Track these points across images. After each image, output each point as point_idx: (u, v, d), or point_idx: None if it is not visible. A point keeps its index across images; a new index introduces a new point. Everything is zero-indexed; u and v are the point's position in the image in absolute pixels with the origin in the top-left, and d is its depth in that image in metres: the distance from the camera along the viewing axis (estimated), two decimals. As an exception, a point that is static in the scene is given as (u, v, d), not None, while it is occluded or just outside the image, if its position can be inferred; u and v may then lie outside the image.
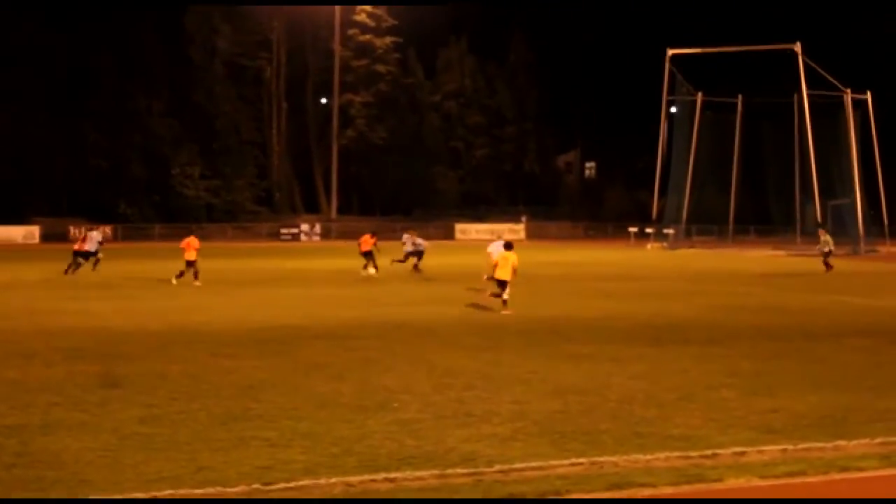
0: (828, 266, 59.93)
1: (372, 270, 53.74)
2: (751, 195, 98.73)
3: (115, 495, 14.29)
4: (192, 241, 50.66)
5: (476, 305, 39.38)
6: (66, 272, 54.98)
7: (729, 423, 19.17)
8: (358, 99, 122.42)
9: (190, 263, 49.85)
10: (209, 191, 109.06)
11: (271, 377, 23.60)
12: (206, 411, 19.86)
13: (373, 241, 54.83)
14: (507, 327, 32.84)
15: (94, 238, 56.48)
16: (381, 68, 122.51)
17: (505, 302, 38.08)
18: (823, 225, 73.33)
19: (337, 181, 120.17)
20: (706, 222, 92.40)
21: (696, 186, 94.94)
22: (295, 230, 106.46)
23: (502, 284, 38.08)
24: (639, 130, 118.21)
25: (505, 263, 38.33)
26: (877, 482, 15.68)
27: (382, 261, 56.50)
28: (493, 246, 45.84)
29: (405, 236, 57.62)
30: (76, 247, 56.91)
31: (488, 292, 39.34)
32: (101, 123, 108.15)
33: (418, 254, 56.30)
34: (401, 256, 56.87)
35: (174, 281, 49.26)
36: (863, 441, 17.89)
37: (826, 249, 61.09)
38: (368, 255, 55.06)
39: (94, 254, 55.97)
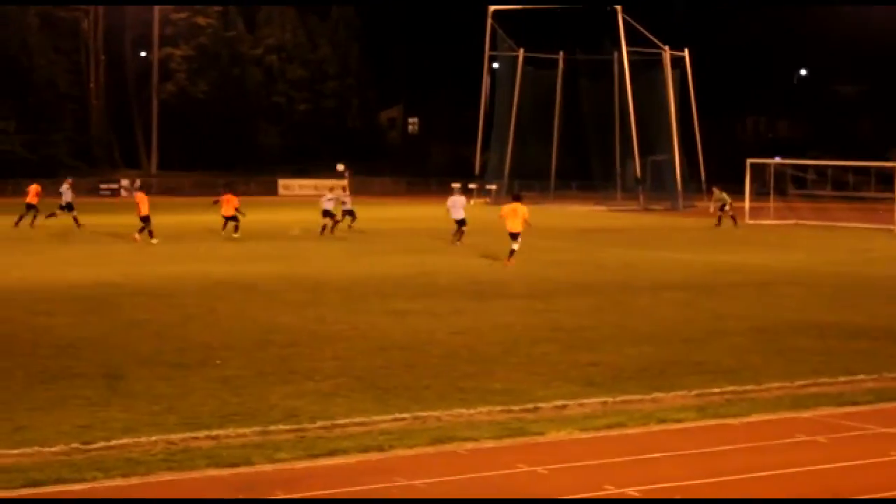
0: (730, 220, 60.93)
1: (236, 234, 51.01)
2: (572, 151, 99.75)
3: (-73, 457, 13.92)
4: (230, 199, 50.91)
5: (300, 261, 39.16)
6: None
7: (550, 377, 19.38)
8: (178, 52, 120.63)
9: (231, 218, 50.18)
10: (25, 146, 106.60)
11: (90, 335, 23.21)
12: (24, 370, 19.46)
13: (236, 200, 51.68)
14: (329, 283, 32.74)
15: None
16: (201, 21, 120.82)
17: (512, 252, 38.66)
18: (711, 185, 73.96)
19: (157, 136, 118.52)
20: (528, 178, 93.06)
21: (518, 142, 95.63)
22: (115, 186, 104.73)
23: (514, 237, 38.91)
24: (461, 86, 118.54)
25: (514, 215, 39.15)
26: (694, 433, 15.99)
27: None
28: (451, 200, 48.82)
29: (329, 195, 54.07)
30: None
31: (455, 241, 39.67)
32: None
33: (350, 212, 54.50)
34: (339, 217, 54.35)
35: (235, 234, 49.55)
36: (680, 393, 18.24)
37: (720, 205, 62.13)
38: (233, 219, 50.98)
39: None
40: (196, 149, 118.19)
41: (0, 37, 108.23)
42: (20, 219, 53.22)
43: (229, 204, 50.52)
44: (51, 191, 63.26)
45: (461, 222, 47.21)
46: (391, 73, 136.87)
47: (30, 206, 54.62)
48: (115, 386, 18.15)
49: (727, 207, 62.19)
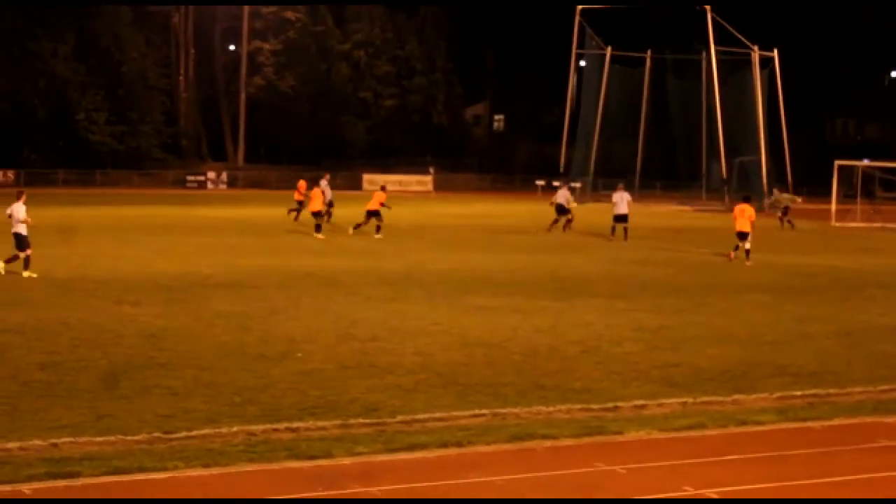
0: (787, 223, 60.38)
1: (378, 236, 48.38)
2: (658, 150, 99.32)
3: (13, 443, 14.15)
4: (379, 195, 49.60)
5: (384, 256, 39.33)
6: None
7: (631, 377, 19.35)
8: (267, 46, 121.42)
9: (317, 214, 48.66)
10: (115, 136, 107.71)
11: (174, 326, 23.46)
12: (108, 359, 19.71)
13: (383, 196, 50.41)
14: (412, 279, 32.84)
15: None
16: (290, 15, 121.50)
17: (748, 252, 40.23)
18: (772, 186, 73.47)
19: (244, 129, 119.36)
20: (613, 176, 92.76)
21: (603, 140, 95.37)
22: (201, 178, 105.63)
23: (744, 236, 40.73)
24: (548, 84, 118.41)
25: (742, 215, 40.91)
26: (774, 436, 15.90)
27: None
28: (559, 194, 53.03)
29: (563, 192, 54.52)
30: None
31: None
32: (3, 66, 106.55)
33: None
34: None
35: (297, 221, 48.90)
36: (761, 395, 18.14)
37: (783, 207, 61.57)
38: (375, 215, 49.10)
39: None
40: (282, 143, 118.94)
41: (93, 29, 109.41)
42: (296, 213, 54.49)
43: (375, 199, 49.06)
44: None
45: (622, 218, 48.36)
46: (478, 70, 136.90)
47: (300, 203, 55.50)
48: (198, 377, 18.34)
49: (789, 210, 61.55)
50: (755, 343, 23.12)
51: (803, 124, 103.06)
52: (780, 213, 62.11)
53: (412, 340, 22.32)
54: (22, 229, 31.62)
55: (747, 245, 40.53)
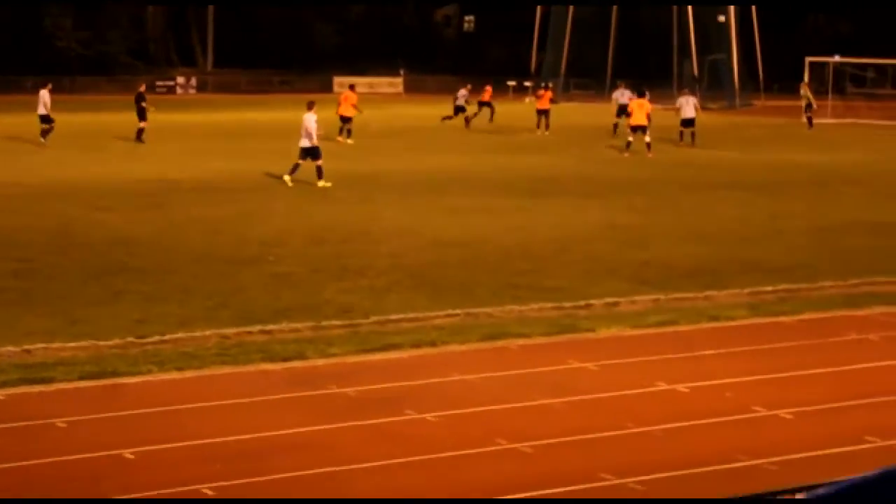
0: (809, 122, 59.95)
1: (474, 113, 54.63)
2: (629, 50, 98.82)
3: (-14, 350, 14.15)
4: (349, 96, 48.36)
5: (356, 158, 39.15)
6: None
7: (602, 275, 19.42)
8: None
9: (345, 119, 47.07)
10: (81, 42, 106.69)
11: (147, 231, 23.41)
12: (81, 265, 19.68)
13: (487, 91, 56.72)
14: (384, 181, 32.71)
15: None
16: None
17: (648, 145, 41.20)
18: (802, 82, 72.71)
19: (213, 34, 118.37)
20: (585, 76, 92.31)
21: (574, 41, 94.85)
22: (170, 83, 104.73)
23: (642, 129, 41.81)
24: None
25: (640, 109, 42.45)
26: (745, 330, 16.01)
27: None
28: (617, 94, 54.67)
29: (462, 91, 57.13)
30: None
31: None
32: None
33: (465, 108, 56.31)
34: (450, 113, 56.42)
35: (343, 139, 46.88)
36: (733, 291, 18.25)
37: (806, 103, 60.94)
38: (486, 105, 56.51)
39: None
40: (252, 47, 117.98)
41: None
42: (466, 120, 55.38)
43: (347, 102, 48.18)
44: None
45: (689, 122, 47.95)
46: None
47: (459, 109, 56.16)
48: (171, 281, 18.33)
49: (814, 107, 61.02)
50: (727, 240, 23.21)
51: (774, 21, 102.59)
52: (805, 111, 61.42)
53: (385, 242, 22.33)
54: None
55: (647, 138, 41.43)
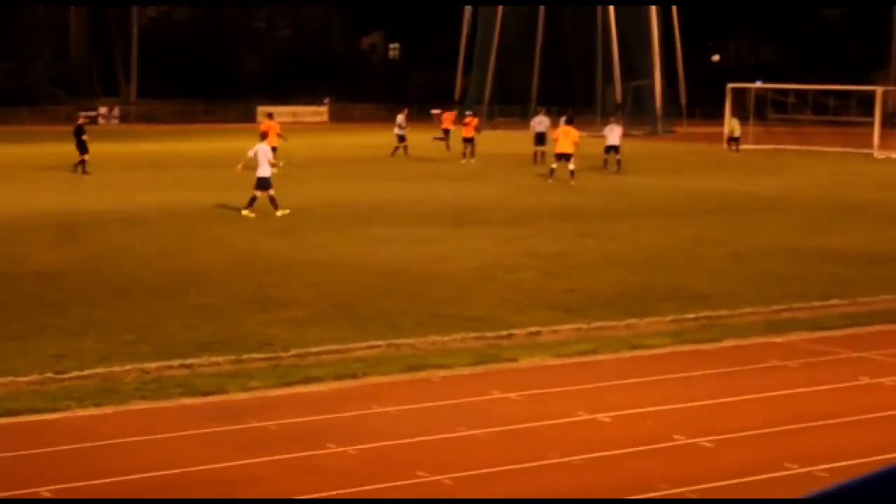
0: (730, 146, 60.78)
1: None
2: (554, 76, 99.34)
3: None
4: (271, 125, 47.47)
5: (280, 187, 38.98)
6: None
7: (526, 304, 19.45)
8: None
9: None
10: (3, 73, 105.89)
11: (67, 264, 23.17)
12: (0, 300, 19.45)
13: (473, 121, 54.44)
14: (307, 211, 32.61)
15: None
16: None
17: (572, 173, 40.89)
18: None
19: (137, 63, 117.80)
20: (510, 102, 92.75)
21: (499, 67, 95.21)
22: (93, 113, 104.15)
23: (567, 157, 41.53)
24: (443, 11, 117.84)
25: (566, 136, 42.08)
26: (667, 359, 16.07)
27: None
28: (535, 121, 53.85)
29: (399, 118, 56.05)
30: None
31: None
32: None
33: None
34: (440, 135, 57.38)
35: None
36: (655, 319, 18.32)
37: (735, 135, 61.62)
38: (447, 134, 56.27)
39: None
40: (176, 76, 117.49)
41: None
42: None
43: (272, 132, 48.07)
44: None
45: (614, 148, 48.16)
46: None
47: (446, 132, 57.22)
48: (90, 316, 18.15)
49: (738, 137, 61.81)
50: (649, 267, 23.32)
51: (697, 47, 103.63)
52: (730, 141, 62.10)
53: (308, 273, 22.25)
54: None
55: (571, 166, 41.34)
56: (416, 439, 12.52)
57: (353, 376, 14.87)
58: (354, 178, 43.90)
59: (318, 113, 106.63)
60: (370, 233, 27.99)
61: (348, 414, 13.35)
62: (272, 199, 30.89)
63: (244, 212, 30.73)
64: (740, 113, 70.62)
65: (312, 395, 14.13)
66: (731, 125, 62.94)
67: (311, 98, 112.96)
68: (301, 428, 12.83)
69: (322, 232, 28.23)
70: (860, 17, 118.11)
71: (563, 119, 44.79)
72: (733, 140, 61.89)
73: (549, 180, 41.17)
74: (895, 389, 14.63)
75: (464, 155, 51.20)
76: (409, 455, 12.03)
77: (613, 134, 48.80)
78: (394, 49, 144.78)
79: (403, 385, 14.65)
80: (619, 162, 47.22)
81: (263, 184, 31.09)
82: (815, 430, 13.00)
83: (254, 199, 31.00)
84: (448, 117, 57.69)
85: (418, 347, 16.36)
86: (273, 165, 32.27)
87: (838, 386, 14.75)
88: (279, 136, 47.06)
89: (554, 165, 42.12)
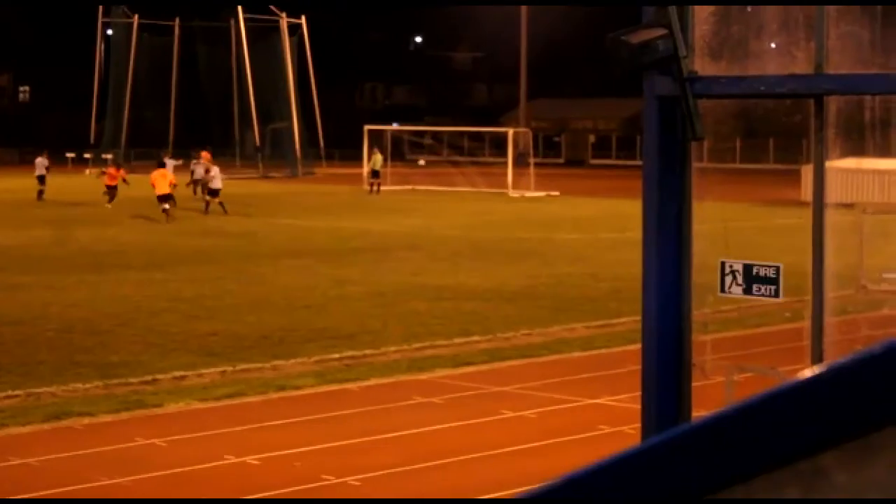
0: (372, 188, 61.21)
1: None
2: (192, 119, 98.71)
3: None
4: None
5: None
6: None
7: (170, 348, 19.19)
8: None
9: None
10: None
11: None
12: None
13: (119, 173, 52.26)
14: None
15: None
16: None
17: (166, 212, 42.35)
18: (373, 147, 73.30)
19: None
20: (147, 145, 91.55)
21: (135, 110, 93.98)
22: None
23: (167, 198, 43.11)
24: (76, 53, 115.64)
25: (163, 179, 44.01)
26: (312, 399, 16.13)
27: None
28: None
29: (39, 160, 55.49)
30: None
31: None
32: None
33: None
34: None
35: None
36: (300, 360, 18.37)
37: (376, 167, 61.99)
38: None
39: None
40: None
41: None
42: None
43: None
44: None
45: (214, 192, 47.73)
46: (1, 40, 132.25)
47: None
48: None
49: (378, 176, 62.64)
50: (292, 308, 23.37)
51: (333, 89, 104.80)
52: (372, 174, 62.65)
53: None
54: None
55: (166, 205, 42.84)
56: (55, 490, 12.17)
57: (-6, 427, 14.38)
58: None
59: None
60: (3, 279, 27.09)
61: (-14, 467, 12.88)
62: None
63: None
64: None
65: (-53, 450, 13.58)
66: (375, 159, 63.81)
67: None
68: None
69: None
70: (488, 63, 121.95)
71: (158, 164, 47.48)
72: (375, 174, 62.67)
73: (167, 224, 41.35)
74: (537, 421, 15.07)
75: (109, 201, 49.99)
76: (53, 507, 11.68)
77: (217, 178, 48.98)
78: (24, 91, 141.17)
79: (45, 435, 14.23)
80: (222, 204, 47.02)
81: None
82: (461, 464, 13.26)
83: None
84: (115, 173, 54.39)
85: (59, 396, 15.94)
86: None
87: (482, 420, 15.10)
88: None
89: (166, 206, 42.84)
